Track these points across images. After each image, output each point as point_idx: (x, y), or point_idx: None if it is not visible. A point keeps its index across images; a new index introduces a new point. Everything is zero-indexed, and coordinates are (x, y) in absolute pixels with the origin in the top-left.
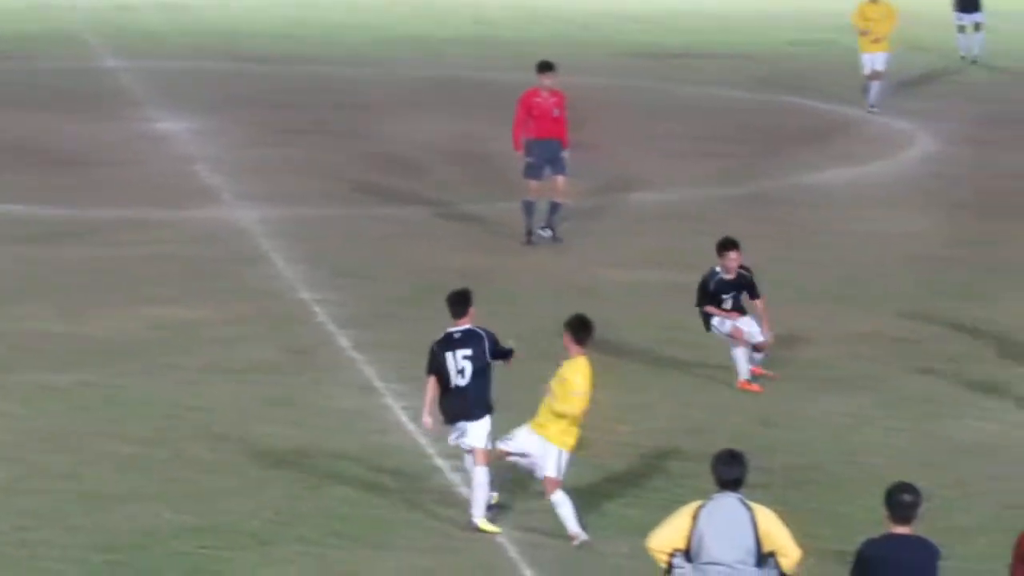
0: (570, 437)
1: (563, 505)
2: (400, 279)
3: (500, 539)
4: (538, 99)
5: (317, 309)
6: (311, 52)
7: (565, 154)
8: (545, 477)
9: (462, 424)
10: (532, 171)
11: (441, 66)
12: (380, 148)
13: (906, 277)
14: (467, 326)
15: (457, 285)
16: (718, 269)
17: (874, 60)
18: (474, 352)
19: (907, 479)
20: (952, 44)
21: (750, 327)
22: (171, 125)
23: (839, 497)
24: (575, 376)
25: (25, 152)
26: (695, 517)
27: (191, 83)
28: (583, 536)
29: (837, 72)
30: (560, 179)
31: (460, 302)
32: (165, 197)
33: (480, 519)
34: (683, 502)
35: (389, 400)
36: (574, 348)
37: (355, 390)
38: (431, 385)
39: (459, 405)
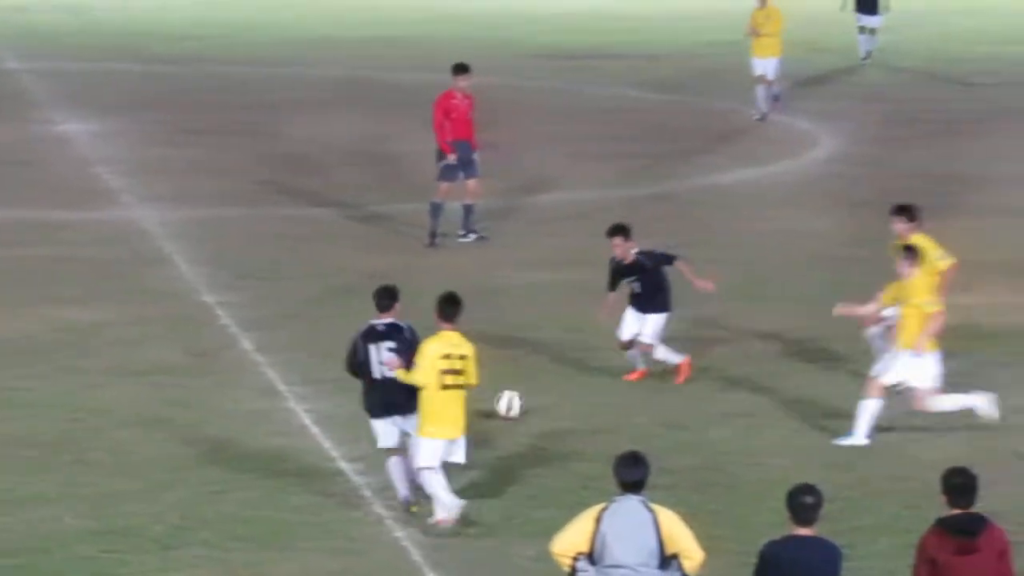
0: (424, 423)
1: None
2: (304, 281)
3: (404, 542)
4: (455, 101)
5: (220, 311)
6: (214, 53)
7: (476, 156)
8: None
9: (397, 419)
10: (449, 173)
11: (345, 67)
12: (283, 149)
13: (809, 277)
14: (391, 320)
15: (362, 286)
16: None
17: (765, 66)
18: (399, 346)
19: (809, 480)
20: (853, 45)
21: (628, 324)
22: (73, 126)
23: (741, 498)
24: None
25: None
26: (598, 520)
27: (93, 84)
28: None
29: (741, 73)
30: (472, 181)
31: (387, 296)
32: (67, 198)
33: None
34: (588, 504)
35: (292, 403)
36: (440, 324)
37: (258, 393)
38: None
39: (389, 400)
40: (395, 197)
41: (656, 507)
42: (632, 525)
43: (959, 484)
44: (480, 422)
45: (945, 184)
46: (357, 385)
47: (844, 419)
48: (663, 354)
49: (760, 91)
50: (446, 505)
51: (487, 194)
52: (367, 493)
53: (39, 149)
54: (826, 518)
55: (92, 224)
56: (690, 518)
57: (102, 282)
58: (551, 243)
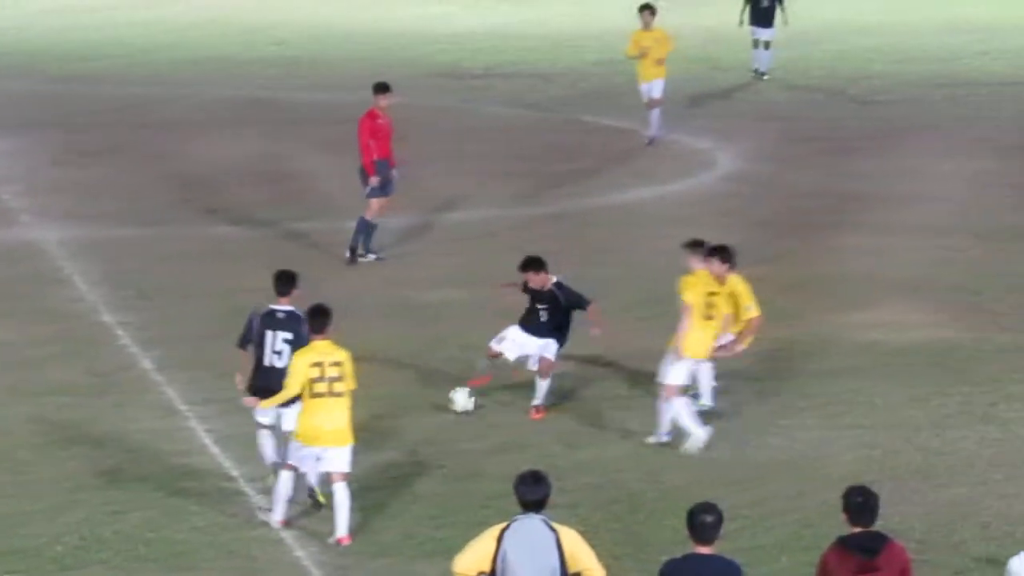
0: (298, 427)
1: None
2: (203, 300)
3: (304, 561)
4: (380, 120)
5: (120, 331)
6: (112, 73)
7: (394, 173)
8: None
9: (279, 408)
10: (378, 191)
11: (241, 87)
12: (182, 168)
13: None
14: (291, 307)
15: (260, 306)
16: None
17: (651, 88)
18: (294, 336)
19: (709, 498)
20: (750, 62)
21: (515, 342)
22: None
23: (641, 517)
24: None
25: None
26: (499, 539)
27: None
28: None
29: (636, 93)
30: (385, 200)
31: (285, 280)
32: None
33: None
34: (489, 523)
35: (193, 422)
36: (312, 336)
37: (158, 412)
38: (244, 356)
39: (276, 387)
40: (293, 216)
41: (558, 526)
42: (534, 544)
43: (860, 503)
44: (377, 441)
45: (842, 202)
46: None
47: (745, 436)
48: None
49: (653, 115)
50: (276, 510)
51: (390, 213)
52: (268, 514)
53: None
54: (726, 536)
55: None
56: (591, 537)
57: (1, 302)
58: (453, 262)
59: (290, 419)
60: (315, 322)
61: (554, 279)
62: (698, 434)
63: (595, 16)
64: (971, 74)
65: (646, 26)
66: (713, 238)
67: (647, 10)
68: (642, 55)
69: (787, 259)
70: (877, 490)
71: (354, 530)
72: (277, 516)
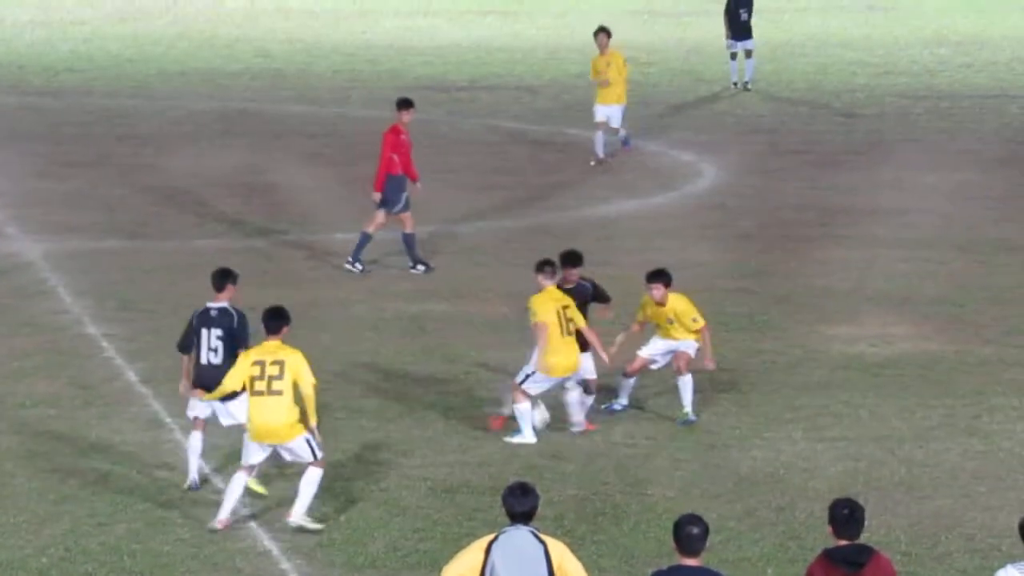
0: (249, 424)
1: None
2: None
3: (291, 574)
4: (403, 136)
5: (104, 343)
6: (96, 85)
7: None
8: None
9: (214, 402)
10: (406, 206)
11: (226, 99)
12: (164, 181)
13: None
14: (224, 304)
15: (245, 317)
16: None
17: (609, 113)
18: (225, 332)
19: (694, 510)
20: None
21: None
22: None
23: (627, 529)
24: None
25: None
26: (487, 551)
27: None
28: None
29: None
30: (384, 214)
31: (220, 277)
32: None
33: (253, 481)
34: (475, 536)
35: (178, 435)
36: (266, 336)
37: (143, 424)
38: (186, 359)
39: (210, 383)
40: (277, 228)
41: (546, 537)
42: (523, 555)
43: (846, 515)
44: (362, 453)
45: (826, 215)
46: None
47: (729, 450)
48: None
49: (598, 136)
50: (224, 509)
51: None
52: (253, 525)
53: None
54: (712, 548)
55: None
56: (577, 548)
57: None
58: (435, 275)
59: (225, 415)
60: (268, 323)
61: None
62: (528, 437)
63: (579, 29)
64: (954, 87)
65: (602, 50)
66: (696, 251)
67: (602, 32)
68: (603, 82)
69: (771, 272)
70: (862, 502)
71: (221, 519)
72: (220, 517)
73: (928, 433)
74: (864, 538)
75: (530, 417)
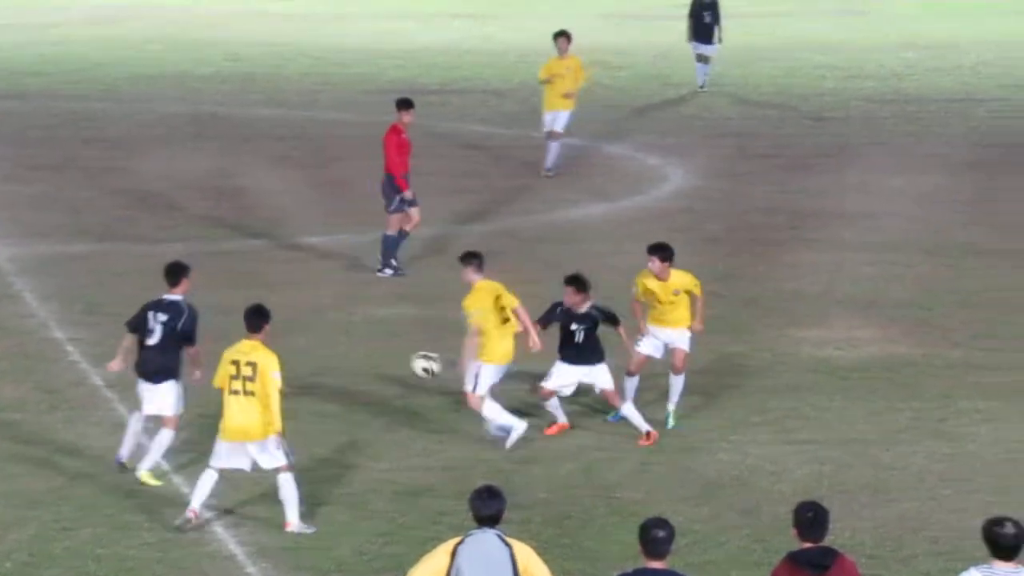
0: (221, 423)
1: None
2: None
3: None
4: (405, 136)
5: (70, 347)
6: (64, 88)
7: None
8: None
9: (145, 385)
10: (408, 204)
11: (196, 102)
12: (132, 184)
13: None
14: (177, 297)
15: (215, 323)
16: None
17: (555, 119)
18: (168, 319)
19: (660, 514)
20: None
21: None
22: None
23: (593, 532)
24: None
25: None
26: (453, 554)
27: None
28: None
29: (589, 109)
30: (405, 214)
31: (173, 272)
32: None
33: (145, 472)
34: (441, 539)
35: (143, 439)
36: (248, 334)
37: (108, 428)
38: (128, 338)
39: (145, 366)
40: (244, 232)
41: (512, 541)
42: (488, 559)
43: (810, 518)
44: (329, 457)
45: (794, 219)
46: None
47: (696, 453)
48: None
49: (551, 147)
50: (193, 501)
51: (343, 231)
52: (219, 529)
53: None
54: (677, 551)
55: None
56: (543, 552)
57: None
58: (406, 278)
59: (159, 401)
60: (248, 321)
61: (589, 302)
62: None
63: (547, 33)
64: (922, 90)
65: (561, 53)
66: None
67: (562, 36)
68: (549, 82)
69: (740, 275)
70: (828, 505)
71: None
72: (190, 508)
73: (895, 436)
74: (829, 541)
75: (500, 409)
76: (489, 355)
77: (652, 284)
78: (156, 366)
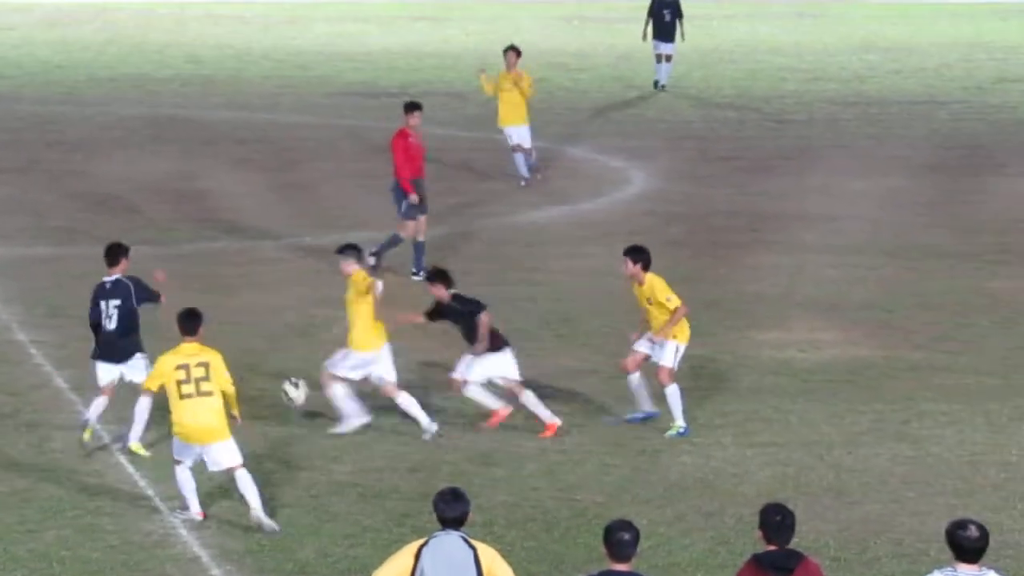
0: (174, 426)
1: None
2: None
3: None
4: (412, 139)
5: (33, 350)
6: (24, 91)
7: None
8: None
9: (114, 366)
10: (414, 211)
11: (156, 105)
12: (93, 187)
13: (622, 315)
14: (116, 276)
15: (171, 325)
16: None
17: (518, 134)
18: (121, 301)
19: (624, 516)
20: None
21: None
22: None
23: (557, 535)
24: None
25: None
26: (417, 556)
27: None
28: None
29: (550, 111)
30: (423, 219)
31: (112, 252)
32: None
33: (134, 443)
34: (405, 541)
35: (107, 441)
36: (183, 338)
37: (73, 431)
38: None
39: (109, 348)
40: (204, 235)
41: (477, 543)
42: (452, 561)
43: (778, 521)
44: (291, 459)
45: (756, 221)
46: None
47: (658, 455)
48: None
49: (519, 158)
50: (192, 503)
51: (304, 233)
52: (183, 532)
53: None
54: (641, 554)
55: None
56: (506, 555)
57: None
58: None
59: (134, 373)
60: (185, 324)
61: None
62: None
63: (510, 35)
64: (883, 93)
65: (508, 67)
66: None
67: (511, 51)
68: (498, 97)
69: (701, 278)
70: (791, 507)
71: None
72: (194, 510)
73: (857, 438)
74: (793, 543)
75: (344, 396)
76: (358, 343)
77: (635, 290)
78: (121, 347)
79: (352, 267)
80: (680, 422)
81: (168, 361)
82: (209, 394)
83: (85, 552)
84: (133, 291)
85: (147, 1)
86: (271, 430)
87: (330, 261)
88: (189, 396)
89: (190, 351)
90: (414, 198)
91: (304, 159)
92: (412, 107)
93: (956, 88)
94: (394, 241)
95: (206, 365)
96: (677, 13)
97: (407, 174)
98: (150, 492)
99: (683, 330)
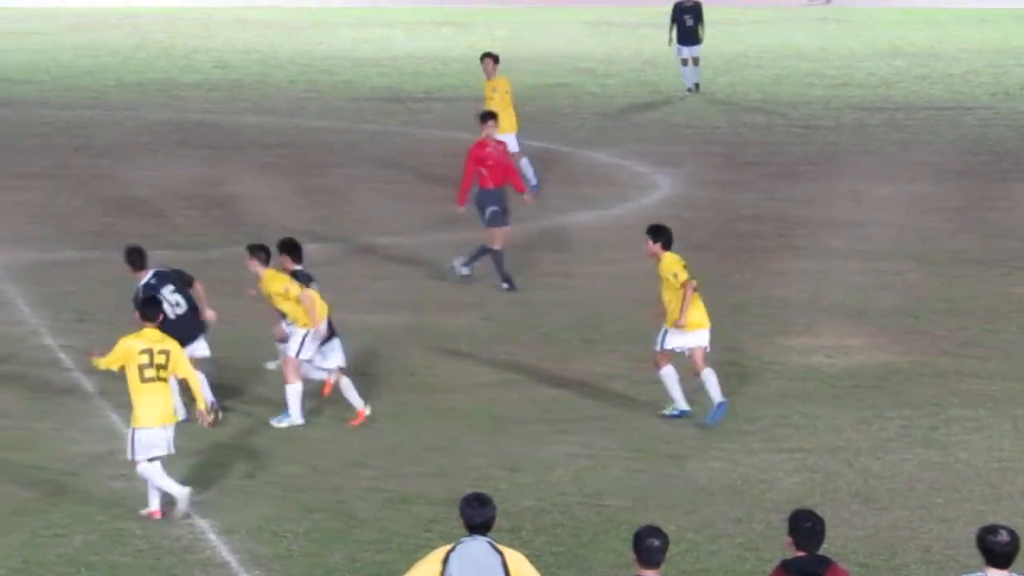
0: (134, 415)
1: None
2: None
3: None
4: (488, 149)
5: (62, 355)
6: (52, 96)
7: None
8: None
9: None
10: (499, 218)
11: (183, 110)
12: (122, 191)
13: (649, 320)
14: (152, 271)
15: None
16: None
17: (508, 143)
18: (177, 287)
19: (652, 522)
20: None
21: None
22: None
23: (584, 540)
24: None
25: None
26: (444, 561)
27: None
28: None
29: (577, 116)
30: (507, 229)
31: (134, 255)
32: None
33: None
34: (431, 547)
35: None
36: (143, 323)
37: (100, 435)
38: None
39: (186, 331)
40: (231, 240)
41: (504, 548)
42: (479, 566)
43: (808, 528)
44: (320, 464)
45: (783, 226)
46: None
47: (685, 461)
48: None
49: (523, 165)
50: (177, 496)
51: (324, 237)
52: (211, 536)
53: None
54: (670, 560)
55: None
56: (535, 560)
57: None
58: (385, 286)
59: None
60: (146, 311)
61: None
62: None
63: (532, 41)
64: (910, 98)
65: (488, 75)
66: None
67: (488, 58)
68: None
69: (727, 283)
70: (819, 513)
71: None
72: (153, 506)
73: (885, 444)
74: (821, 549)
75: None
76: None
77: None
78: (193, 326)
79: (257, 267)
80: (720, 399)
81: (133, 344)
82: (165, 380)
83: (113, 557)
84: (169, 271)
85: (175, 6)
86: (297, 434)
87: (361, 264)
88: (152, 380)
89: (154, 337)
90: (495, 208)
91: (330, 164)
92: (486, 117)
93: (983, 94)
94: (482, 251)
95: (167, 352)
96: (699, 18)
97: (467, 185)
98: (117, 484)
99: (695, 313)
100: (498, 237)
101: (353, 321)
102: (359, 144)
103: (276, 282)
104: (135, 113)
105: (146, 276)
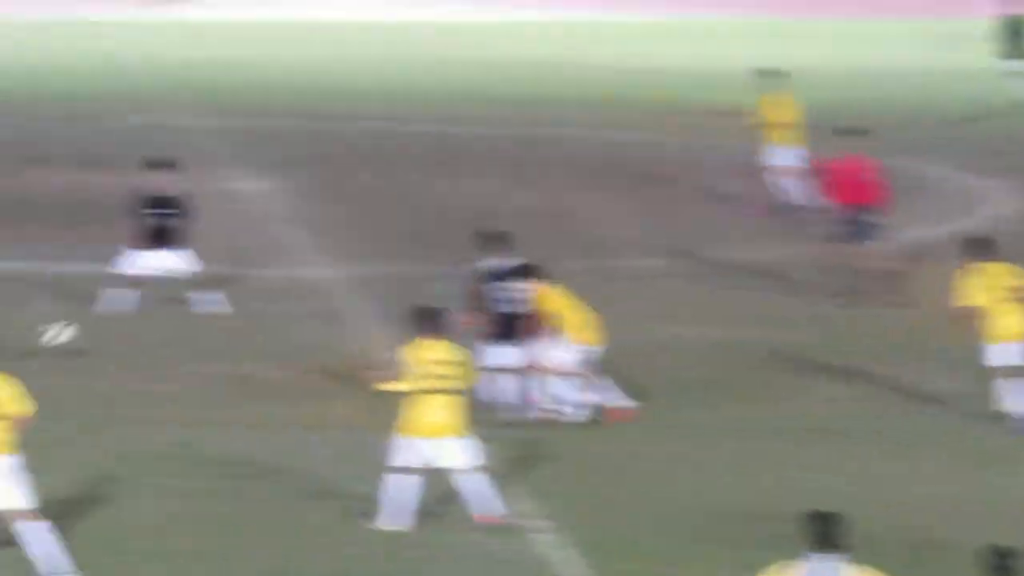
0: None
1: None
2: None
3: None
4: (844, 164)
5: None
6: (377, 111)
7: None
8: None
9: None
10: (865, 235)
11: (525, 124)
12: (451, 205)
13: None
14: (505, 261)
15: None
16: None
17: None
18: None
19: (1000, 542)
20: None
21: None
22: (243, 184)
23: (936, 560)
24: None
25: None
26: None
27: (256, 142)
28: None
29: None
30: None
31: (502, 239)
32: (237, 254)
33: None
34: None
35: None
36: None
37: None
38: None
39: (511, 326)
40: (578, 254)
41: (855, 568)
42: None
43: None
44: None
45: None
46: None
47: None
48: None
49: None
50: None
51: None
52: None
53: (214, 206)
54: None
55: (270, 279)
56: None
57: (274, 340)
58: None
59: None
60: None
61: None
62: None
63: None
64: None
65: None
66: None
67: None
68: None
69: None
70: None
71: None
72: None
73: None
74: None
75: None
76: None
77: None
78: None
79: None
80: None
81: None
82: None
83: None
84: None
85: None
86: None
87: (676, 278)
88: None
89: None
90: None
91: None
92: (841, 132)
93: None
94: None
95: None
96: None
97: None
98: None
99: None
100: (860, 254)
101: (689, 334)
102: (696, 161)
103: None
104: (471, 129)
105: (497, 261)
